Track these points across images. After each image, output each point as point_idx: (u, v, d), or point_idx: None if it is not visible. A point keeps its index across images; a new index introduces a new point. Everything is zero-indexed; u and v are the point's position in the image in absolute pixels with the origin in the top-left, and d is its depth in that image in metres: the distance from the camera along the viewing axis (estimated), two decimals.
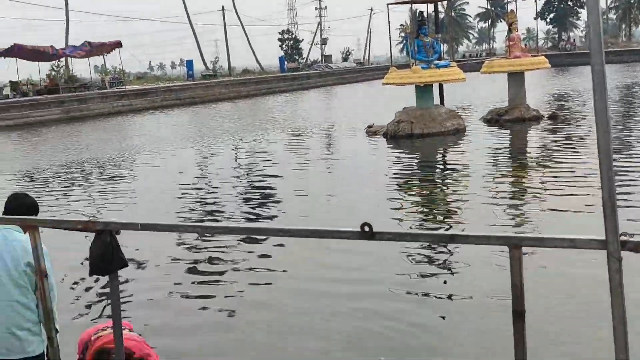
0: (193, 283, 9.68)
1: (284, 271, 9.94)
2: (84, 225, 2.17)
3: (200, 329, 7.94)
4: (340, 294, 8.70)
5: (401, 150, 22.44)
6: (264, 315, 8.23)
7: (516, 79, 27.52)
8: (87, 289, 9.52)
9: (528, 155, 20.35)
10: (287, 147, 25.68)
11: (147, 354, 5.08)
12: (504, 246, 1.76)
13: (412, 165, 20.16)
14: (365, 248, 9.95)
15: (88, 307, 8.84)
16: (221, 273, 10.04)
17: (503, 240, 1.72)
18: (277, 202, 15.45)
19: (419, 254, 10.27)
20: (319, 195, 15.68)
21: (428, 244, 10.55)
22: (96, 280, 9.68)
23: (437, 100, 26.78)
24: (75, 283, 9.69)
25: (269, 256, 10.77)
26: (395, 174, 18.40)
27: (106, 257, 4.31)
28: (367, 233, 1.86)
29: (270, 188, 17.44)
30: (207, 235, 12.22)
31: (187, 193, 17.10)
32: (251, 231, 2.04)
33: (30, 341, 4.74)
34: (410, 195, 15.56)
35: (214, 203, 15.81)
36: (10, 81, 51.92)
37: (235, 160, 23.52)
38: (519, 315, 1.71)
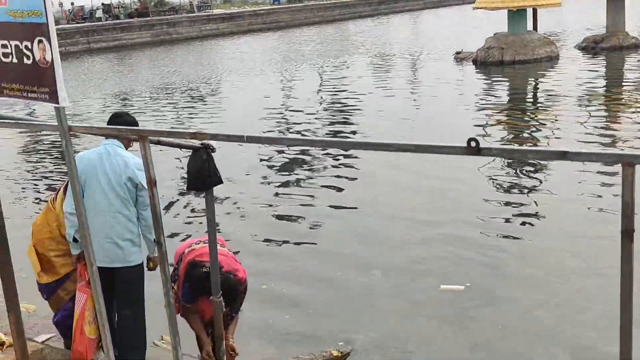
0: (281, 204, 9.89)
1: (370, 195, 10.03)
2: (191, 136, 2.24)
3: (286, 250, 8.16)
4: (430, 222, 8.72)
5: (491, 77, 21.80)
6: (349, 239, 8.37)
7: (616, 4, 25.94)
8: (185, 206, 9.91)
9: (625, 84, 19.43)
10: (373, 72, 25.39)
11: (235, 269, 5.29)
12: (611, 166, 1.72)
13: (503, 92, 19.62)
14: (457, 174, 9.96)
15: (183, 222, 9.20)
16: (310, 196, 10.22)
17: (616, 157, 1.68)
18: (361, 125, 15.44)
19: (510, 182, 10.16)
20: (404, 117, 15.62)
21: (521, 171, 10.43)
22: (192, 197, 10.07)
23: (529, 26, 25.68)
24: (172, 199, 10.10)
25: (356, 178, 10.87)
26: (483, 100, 17.96)
27: (202, 174, 4.49)
28: (473, 148, 1.85)
29: (356, 110, 17.42)
30: (301, 154, 12.43)
31: (272, 114, 17.32)
32: (355, 145, 2.06)
33: (131, 251, 5.00)
34: (500, 122, 15.22)
35: (300, 124, 15.97)
36: (103, 4, 53.02)
37: (321, 84, 23.49)
38: (628, 234, 1.69)
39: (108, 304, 5.23)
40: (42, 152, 14.76)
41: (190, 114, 18.65)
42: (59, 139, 2.50)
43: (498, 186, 10.05)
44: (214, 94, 22.46)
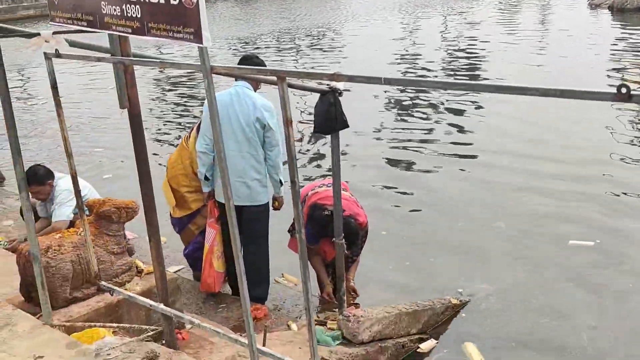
0: (401, 152, 9.86)
1: (493, 145, 9.81)
2: (329, 77, 2.26)
3: (406, 198, 8.15)
4: (559, 175, 8.45)
5: (628, 25, 20.45)
6: (471, 188, 8.25)
7: None
8: (307, 149, 10.08)
9: None
10: (501, 17, 24.46)
11: (356, 214, 5.36)
12: None
13: None
14: None
15: (306, 165, 9.36)
16: (431, 144, 10.12)
17: None
18: (490, 71, 15.00)
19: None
20: (537, 64, 15.04)
21: None
22: (317, 140, 10.22)
23: None
24: (297, 141, 10.28)
25: (477, 127, 10.66)
26: (620, 49, 16.91)
27: (329, 117, 4.53)
28: (624, 95, 1.77)
29: (484, 56, 16.93)
30: (416, 99, 12.30)
31: (397, 59, 17.13)
32: (498, 89, 1.99)
33: (258, 191, 5.15)
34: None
35: (426, 69, 15.72)
36: None
37: (446, 30, 22.91)
38: None
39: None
40: (174, 92, 15.33)
41: (313, 59, 18.77)
42: (190, 80, 2.58)
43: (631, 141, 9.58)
44: (337, 38, 22.44)
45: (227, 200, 2.72)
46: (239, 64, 5.12)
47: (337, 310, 5.02)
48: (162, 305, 3.20)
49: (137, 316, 4.01)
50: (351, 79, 2.23)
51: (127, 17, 2.80)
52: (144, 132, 3.15)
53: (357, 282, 5.64)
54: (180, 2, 2.55)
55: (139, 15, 2.75)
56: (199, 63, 2.59)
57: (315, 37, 22.85)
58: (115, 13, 2.84)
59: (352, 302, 5.31)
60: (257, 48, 21.23)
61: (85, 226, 3.57)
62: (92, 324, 3.58)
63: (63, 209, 5.66)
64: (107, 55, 3.02)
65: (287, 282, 6.09)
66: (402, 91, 13.25)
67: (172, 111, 13.52)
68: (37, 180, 5.75)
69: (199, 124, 5.40)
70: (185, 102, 14.29)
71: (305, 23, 26.52)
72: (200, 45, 2.54)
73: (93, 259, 3.61)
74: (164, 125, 12.46)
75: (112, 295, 3.66)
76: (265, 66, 5.23)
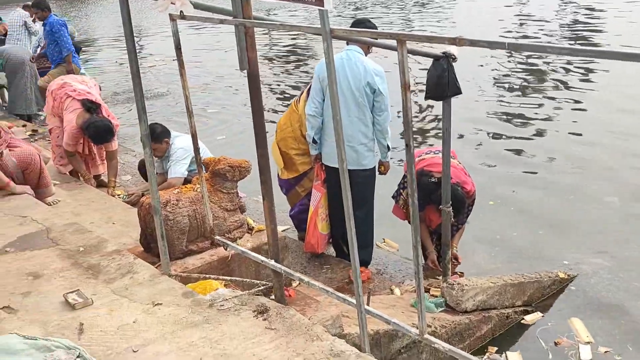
0: (513, 123, 9.64)
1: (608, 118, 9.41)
2: (450, 41, 2.24)
3: (515, 169, 7.97)
4: None
5: None
6: (584, 161, 7.98)
7: None
8: (416, 115, 9.99)
9: None
10: None
11: (463, 182, 5.30)
12: None
13: None
14: None
15: (418, 132, 9.30)
16: (545, 115, 9.82)
17: None
18: (609, 41, 14.32)
19: None
20: None
21: None
22: (428, 107, 10.13)
23: None
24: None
25: (594, 99, 10.24)
26: None
27: (442, 83, 4.48)
28: None
29: (599, 27, 16.17)
30: (529, 69, 11.93)
31: (507, 27, 16.65)
32: (622, 56, 1.89)
33: (365, 155, 5.17)
34: None
35: (539, 38, 15.20)
36: None
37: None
38: None
39: (341, 202, 5.54)
40: (284, 57, 15.52)
41: (421, 25, 18.50)
42: (298, 46, 2.61)
43: None
44: (442, 1, 22.00)
45: (340, 164, 2.76)
46: (351, 27, 5.12)
47: (440, 277, 5.03)
48: (272, 262, 3.31)
49: (248, 271, 4.16)
50: (473, 43, 2.20)
51: None
52: (261, 93, 3.23)
53: (462, 251, 5.61)
54: None
55: None
56: (316, 26, 2.62)
57: (426, 3, 22.45)
58: None
59: (454, 270, 5.29)
60: (365, 12, 21.10)
61: (202, 183, 3.71)
62: (206, 275, 3.75)
63: (178, 167, 5.91)
64: (229, 18, 3.10)
65: (388, 247, 6.14)
66: (508, 60, 12.89)
67: (282, 75, 13.71)
68: (155, 137, 6.02)
69: (309, 88, 5.46)
70: (294, 66, 14.44)
71: None
72: (322, 8, 2.56)
73: (209, 214, 3.76)
74: (274, 88, 12.66)
75: (225, 249, 3.81)
76: (377, 28, 5.21)
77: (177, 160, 5.92)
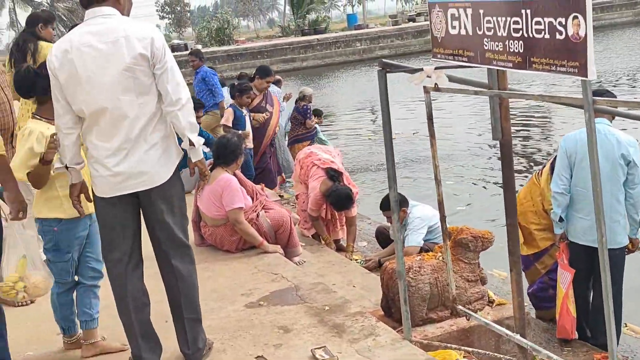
0: None
1: None
2: None
3: None
4: None
5: None
6: None
7: None
8: None
9: None
10: None
11: None
12: None
13: None
14: None
15: None
16: None
17: None
18: None
19: None
20: None
21: None
22: None
23: None
24: None
25: None
26: None
27: None
28: None
29: None
30: None
31: None
32: None
33: (617, 232, 4.85)
34: None
35: None
36: None
37: None
38: None
39: (586, 282, 5.23)
40: (521, 125, 15.21)
41: None
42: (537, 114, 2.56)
43: None
44: None
45: (600, 243, 2.67)
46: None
47: None
48: (518, 336, 3.22)
49: (487, 345, 4.09)
50: None
51: (509, 52, 2.92)
52: (513, 163, 3.23)
53: None
54: (567, 37, 2.59)
55: (521, 51, 2.85)
56: (573, 96, 2.59)
57: None
58: (497, 49, 2.98)
59: None
60: (608, 84, 20.12)
61: (447, 252, 3.75)
62: (448, 345, 3.74)
63: (415, 236, 6.01)
64: (485, 89, 3.17)
65: (634, 333, 5.64)
66: None
67: (520, 144, 13.43)
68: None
69: (552, 161, 5.31)
70: (534, 136, 14.12)
71: None
72: (584, 79, 2.54)
73: (452, 283, 3.78)
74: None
75: (468, 320, 3.79)
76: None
77: (415, 230, 6.03)
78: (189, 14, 74.42)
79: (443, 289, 4.10)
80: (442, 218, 3.70)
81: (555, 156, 5.26)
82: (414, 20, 43.63)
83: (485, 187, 10.54)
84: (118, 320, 3.49)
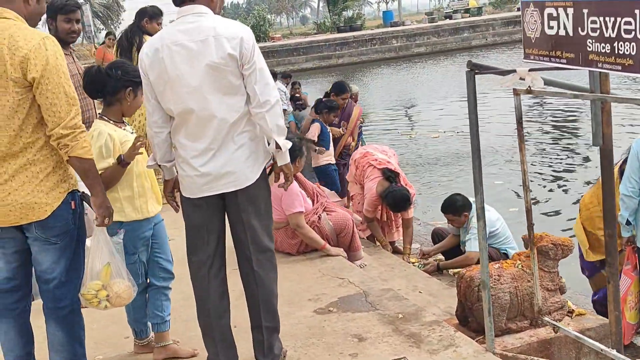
0: None
1: None
2: None
3: None
4: None
5: None
6: None
7: None
8: None
9: None
10: None
11: None
12: None
13: None
14: None
15: None
16: None
17: None
18: None
19: None
20: None
21: None
22: None
23: None
24: None
25: None
26: None
27: None
28: None
29: None
30: None
31: None
32: None
33: None
34: None
35: None
36: None
37: None
38: None
39: None
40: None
41: None
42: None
43: None
44: None
45: None
46: None
47: None
48: (614, 351, 3.07)
49: (568, 356, 3.94)
50: None
51: (617, 54, 2.76)
52: (614, 169, 3.07)
53: None
54: None
55: (632, 53, 2.70)
56: None
57: None
58: (603, 51, 2.83)
59: None
60: None
61: (534, 260, 3.60)
62: (532, 358, 3.59)
63: (477, 242, 5.85)
64: (586, 93, 3.02)
65: None
66: None
67: (584, 144, 13.12)
68: (454, 210, 6.07)
69: (621, 163, 5.14)
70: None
71: None
72: None
73: (538, 293, 3.63)
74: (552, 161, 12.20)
75: (556, 332, 3.64)
76: None
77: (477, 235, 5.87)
78: (222, 12, 74.68)
79: (523, 299, 3.95)
80: (530, 226, 3.55)
81: (624, 159, 5.10)
82: (450, 18, 43.13)
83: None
84: (187, 324, 3.40)
